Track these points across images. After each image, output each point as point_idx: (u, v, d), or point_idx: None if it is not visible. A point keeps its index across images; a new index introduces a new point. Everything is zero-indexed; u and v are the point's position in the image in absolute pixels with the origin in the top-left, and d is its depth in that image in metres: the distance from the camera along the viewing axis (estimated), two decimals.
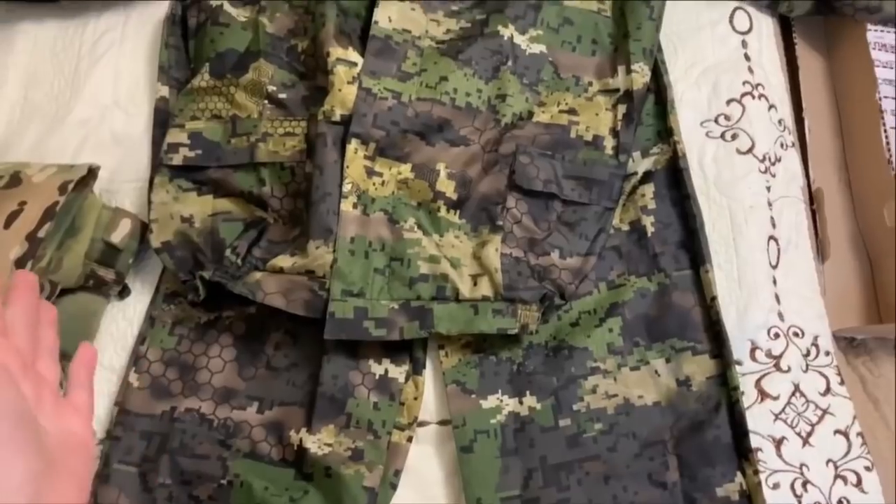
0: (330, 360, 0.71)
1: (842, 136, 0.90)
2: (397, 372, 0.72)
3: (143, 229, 0.77)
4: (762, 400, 0.72)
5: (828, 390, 0.75)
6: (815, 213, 0.84)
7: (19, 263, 0.68)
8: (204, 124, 0.78)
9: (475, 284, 0.72)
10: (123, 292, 0.77)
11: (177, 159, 0.77)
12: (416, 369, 0.73)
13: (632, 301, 0.75)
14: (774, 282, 0.78)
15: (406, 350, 0.73)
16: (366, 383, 0.71)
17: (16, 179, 0.74)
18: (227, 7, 0.83)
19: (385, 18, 0.79)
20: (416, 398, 0.72)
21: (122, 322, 0.77)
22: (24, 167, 0.75)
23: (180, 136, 0.77)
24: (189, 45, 0.85)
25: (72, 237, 0.73)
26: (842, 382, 0.76)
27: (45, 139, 0.83)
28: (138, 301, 0.77)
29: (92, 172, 0.77)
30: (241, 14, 0.83)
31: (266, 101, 0.78)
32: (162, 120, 0.82)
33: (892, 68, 0.86)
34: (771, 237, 0.79)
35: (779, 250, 0.79)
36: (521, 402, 0.71)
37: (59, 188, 0.73)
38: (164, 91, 0.83)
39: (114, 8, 0.90)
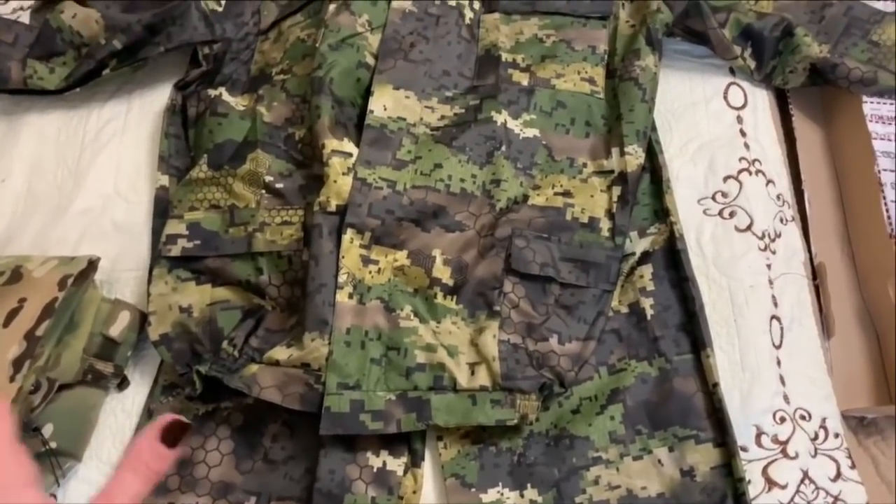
0: (327, 453, 0.70)
1: (843, 208, 0.89)
2: (395, 464, 0.71)
3: (143, 320, 0.77)
4: (770, 489, 0.71)
5: (838, 475, 0.73)
6: (819, 288, 0.83)
7: (17, 363, 0.68)
8: (202, 214, 0.79)
9: (473, 373, 0.71)
10: (122, 384, 0.77)
11: (175, 250, 0.77)
12: (415, 461, 0.72)
13: (633, 387, 0.74)
14: (778, 363, 0.76)
15: (404, 441, 0.72)
16: (363, 477, 0.70)
17: (16, 275, 0.74)
18: (226, 97, 0.85)
19: (380, 107, 0.80)
20: (414, 492, 0.71)
21: (120, 415, 0.76)
22: (25, 261, 0.76)
23: (179, 227, 0.78)
24: (189, 134, 0.87)
25: (70, 333, 0.74)
26: (853, 466, 0.74)
27: (47, 230, 0.84)
28: (137, 393, 0.77)
29: (92, 265, 0.77)
30: (239, 103, 0.85)
31: (263, 191, 0.79)
32: (162, 209, 0.83)
33: (890, 140, 0.85)
34: (773, 317, 0.78)
35: (782, 330, 0.78)
36: (522, 496, 0.70)
37: (59, 283, 0.74)
38: (164, 180, 0.84)
39: (117, 97, 0.92)
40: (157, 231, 0.82)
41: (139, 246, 0.83)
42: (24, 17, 0.93)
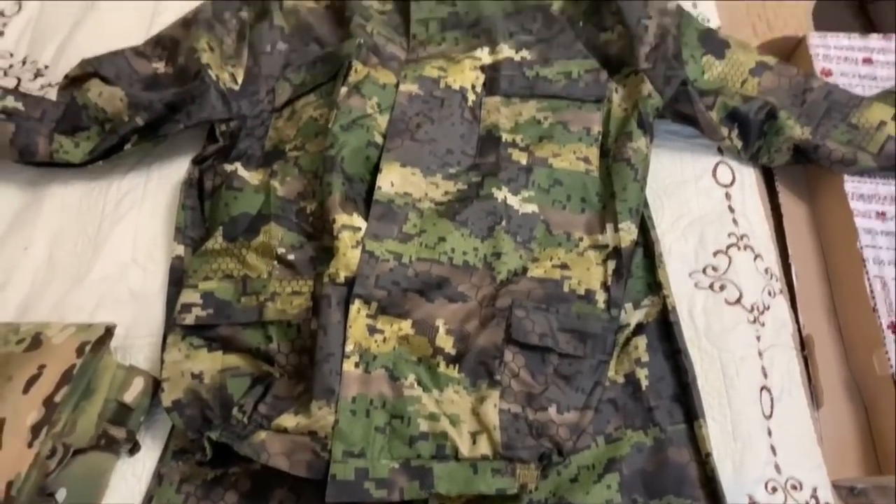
0: None
1: (829, 281, 0.93)
2: None
3: (155, 386, 0.80)
4: None
5: None
6: (807, 359, 0.86)
7: (35, 429, 0.71)
8: (216, 284, 0.83)
9: (474, 442, 0.73)
10: (133, 449, 0.80)
11: (189, 319, 0.81)
12: None
13: (629, 456, 0.76)
14: (769, 433, 0.79)
15: None
16: None
17: (36, 342, 0.78)
18: (241, 171, 0.89)
19: (388, 183, 0.84)
20: None
21: (130, 479, 0.78)
22: (45, 328, 0.79)
23: (193, 297, 0.82)
24: (205, 206, 0.91)
25: (86, 399, 0.76)
26: None
27: (66, 297, 0.88)
28: (147, 457, 0.80)
29: (109, 332, 0.81)
30: (254, 177, 0.89)
31: (275, 262, 0.82)
32: (176, 278, 0.86)
33: (871, 217, 0.90)
34: (763, 387, 0.81)
35: (772, 400, 0.80)
36: None
37: (77, 350, 0.77)
38: (180, 250, 0.88)
39: (137, 169, 0.97)
40: (171, 299, 0.86)
41: (153, 313, 0.87)
42: (52, 94, 0.99)
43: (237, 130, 0.95)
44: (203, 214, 0.91)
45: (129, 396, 0.78)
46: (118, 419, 0.78)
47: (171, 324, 0.81)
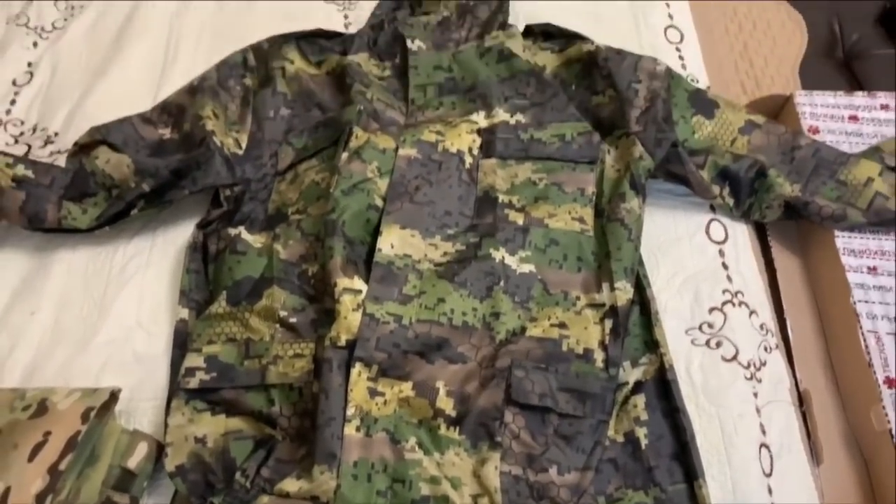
0: None
1: (824, 334, 0.94)
2: None
3: (159, 450, 0.81)
4: None
5: None
6: (806, 415, 0.86)
7: (40, 498, 0.71)
8: (219, 347, 0.84)
9: None
10: None
11: (193, 383, 0.82)
12: None
13: None
14: (770, 491, 0.79)
15: None
16: None
17: (42, 408, 0.79)
18: (245, 235, 0.92)
19: (388, 245, 0.86)
20: None
21: None
22: (51, 394, 0.80)
23: (197, 361, 0.83)
24: (209, 269, 0.93)
25: (91, 465, 0.77)
26: None
27: (72, 361, 0.89)
28: None
29: (114, 396, 0.82)
30: (257, 240, 0.91)
31: (278, 325, 0.84)
32: (181, 340, 0.88)
33: (862, 272, 0.91)
34: (762, 444, 0.81)
35: (771, 457, 0.81)
36: None
37: (82, 416, 0.78)
38: (184, 313, 0.89)
39: (142, 234, 0.99)
40: (175, 362, 0.87)
41: (157, 376, 0.88)
42: (61, 160, 1.01)
43: (241, 194, 0.97)
44: (207, 278, 0.93)
45: (133, 462, 0.79)
46: (122, 485, 0.78)
47: (174, 388, 0.82)
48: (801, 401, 0.87)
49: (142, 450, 0.80)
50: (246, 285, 0.87)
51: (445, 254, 0.88)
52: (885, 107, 1.05)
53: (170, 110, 1.03)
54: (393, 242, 0.87)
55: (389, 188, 0.91)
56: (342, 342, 0.79)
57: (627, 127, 0.94)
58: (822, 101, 1.06)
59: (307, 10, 1.22)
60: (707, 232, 0.96)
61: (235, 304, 0.86)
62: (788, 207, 0.95)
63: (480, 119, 0.98)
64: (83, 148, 0.99)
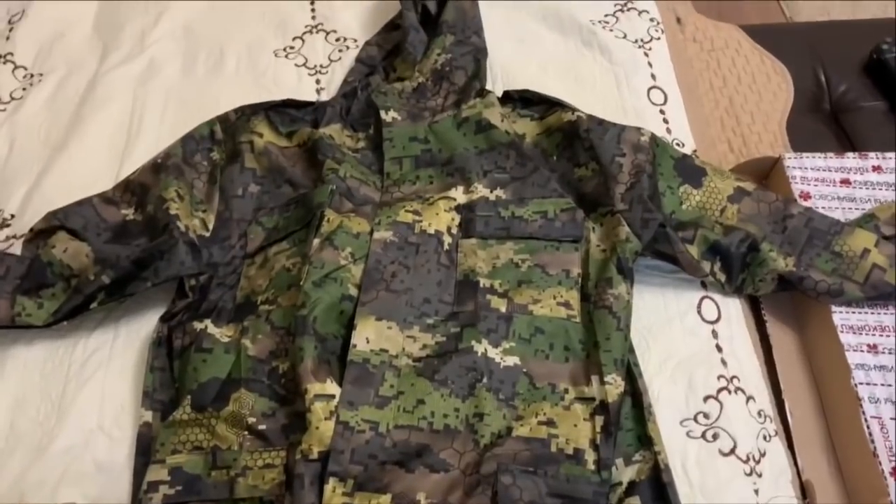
0: None
1: (824, 414, 0.90)
2: None
3: None
4: None
5: None
6: None
7: None
8: (185, 458, 0.78)
9: None
10: None
11: (156, 499, 0.76)
12: None
13: None
14: None
15: None
16: None
17: None
18: (211, 329, 0.86)
19: (363, 340, 0.81)
20: None
21: None
22: None
23: (161, 473, 0.77)
24: (174, 365, 0.87)
25: None
26: None
27: (27, 472, 0.82)
28: None
29: None
30: (224, 334, 0.86)
31: (246, 433, 0.79)
32: (144, 447, 0.82)
33: (862, 351, 0.87)
34: None
35: None
36: None
37: None
38: (148, 416, 0.84)
39: (104, 325, 0.93)
40: (138, 471, 0.81)
41: (120, 486, 0.81)
42: (17, 246, 0.96)
43: (208, 282, 0.92)
44: (173, 374, 0.87)
45: None
46: None
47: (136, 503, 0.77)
48: (804, 492, 0.83)
49: None
50: (212, 388, 0.82)
51: (425, 346, 0.83)
52: (876, 168, 1.02)
53: (133, 189, 0.98)
54: (368, 336, 0.82)
55: (364, 276, 0.86)
56: (314, 455, 0.74)
57: (612, 205, 0.90)
58: (812, 164, 1.02)
59: (278, 74, 1.18)
60: (699, 311, 0.92)
61: (201, 409, 0.81)
62: (782, 280, 0.91)
63: (459, 195, 0.94)
64: (40, 234, 0.94)
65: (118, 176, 1.04)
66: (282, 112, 1.04)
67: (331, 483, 0.73)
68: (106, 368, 0.90)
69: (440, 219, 0.91)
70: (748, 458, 0.81)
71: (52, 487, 0.82)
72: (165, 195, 0.94)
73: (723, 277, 0.92)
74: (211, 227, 0.96)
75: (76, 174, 1.05)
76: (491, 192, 0.94)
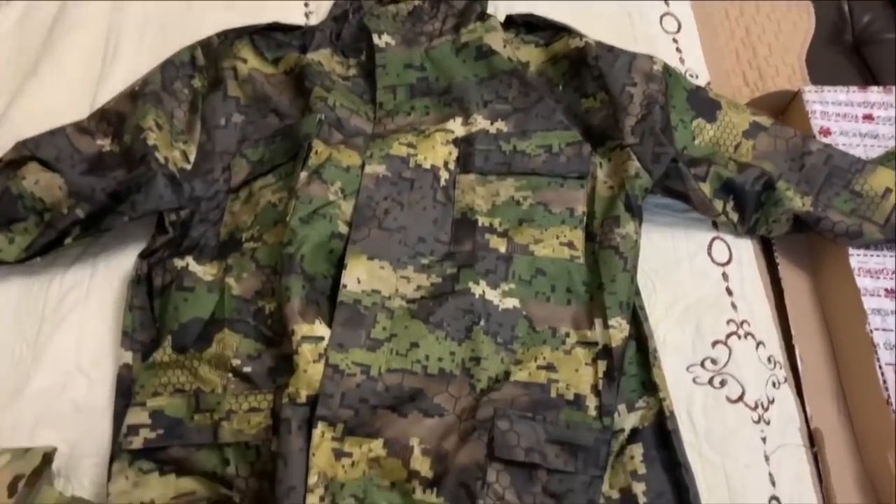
0: None
1: (835, 361, 0.86)
2: None
3: None
4: None
5: None
6: (817, 457, 0.79)
7: None
8: (166, 401, 0.75)
9: None
10: None
11: (137, 443, 0.73)
12: None
13: None
14: None
15: None
16: None
17: None
18: (193, 266, 0.82)
19: (354, 280, 0.77)
20: None
21: None
22: None
23: (141, 416, 0.74)
24: (154, 304, 0.83)
25: None
26: None
27: (2, 414, 0.79)
28: None
29: (47, 459, 0.73)
30: (206, 272, 0.81)
31: (230, 375, 0.75)
32: (124, 389, 0.78)
33: (879, 296, 0.83)
34: (772, 497, 0.74)
35: None
36: None
37: (9, 487, 0.69)
38: (128, 357, 0.80)
39: (81, 261, 0.89)
40: (118, 415, 0.77)
41: (100, 428, 0.78)
42: None
43: (189, 217, 0.87)
44: (153, 314, 0.83)
45: None
46: None
47: (117, 449, 0.73)
48: (812, 441, 0.80)
49: None
50: (193, 329, 0.77)
51: (419, 287, 0.78)
52: None
53: (109, 118, 0.92)
54: (359, 276, 0.77)
55: (355, 212, 0.81)
56: (302, 399, 0.70)
57: (621, 138, 0.84)
58: (833, 99, 0.96)
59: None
60: (709, 252, 0.87)
61: (182, 350, 0.77)
62: (798, 221, 0.86)
63: (457, 127, 0.88)
64: (10, 165, 0.88)
65: (93, 105, 0.97)
66: (268, 36, 0.97)
67: (319, 428, 0.69)
68: (83, 307, 0.85)
69: (436, 152, 0.85)
70: (756, 406, 0.78)
71: (29, 430, 0.79)
72: (143, 124, 0.87)
73: (735, 217, 0.87)
74: (192, 159, 0.90)
75: (48, 103, 0.98)
76: (491, 124, 0.88)
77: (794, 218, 0.86)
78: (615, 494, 0.73)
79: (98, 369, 0.82)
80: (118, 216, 0.84)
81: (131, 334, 0.81)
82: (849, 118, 0.95)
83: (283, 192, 0.84)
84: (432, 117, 0.90)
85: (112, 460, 0.73)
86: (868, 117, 0.95)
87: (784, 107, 1.00)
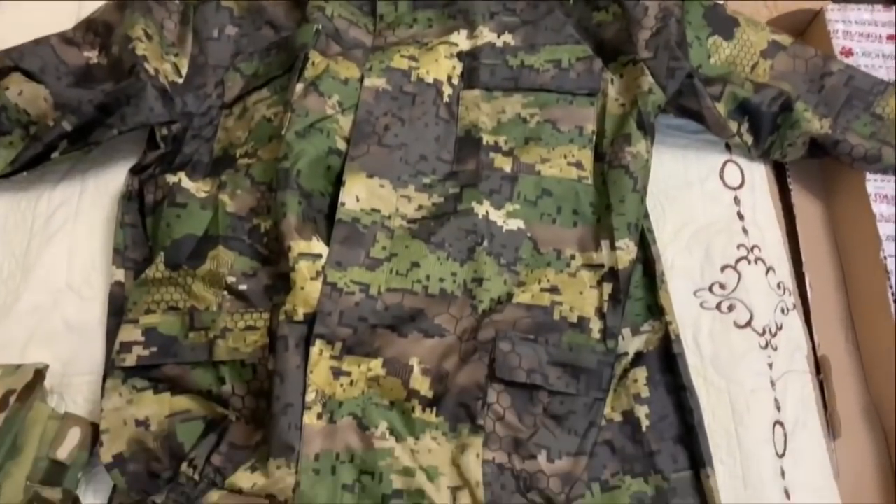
0: None
1: (845, 289, 0.84)
2: None
3: (95, 435, 0.71)
4: None
5: None
6: (823, 384, 0.78)
7: None
8: (159, 318, 0.73)
9: (455, 500, 0.65)
10: None
11: (130, 360, 0.71)
12: None
13: None
14: (782, 474, 0.71)
15: None
16: None
17: None
18: (186, 183, 0.79)
19: (352, 198, 0.74)
20: None
21: None
22: None
23: (134, 334, 0.72)
24: (147, 221, 0.80)
25: (12, 459, 0.67)
26: None
27: None
28: None
29: (39, 375, 0.71)
30: (200, 189, 0.79)
31: (225, 293, 0.73)
32: (117, 307, 0.77)
33: (895, 222, 0.80)
34: (776, 422, 0.73)
35: (785, 436, 0.73)
36: None
37: (1, 400, 0.67)
38: (120, 275, 0.78)
39: (70, 177, 0.86)
40: (111, 333, 0.76)
41: (93, 347, 0.77)
42: None
43: (181, 132, 0.83)
44: (145, 232, 0.80)
45: (64, 452, 0.69)
46: (51, 479, 0.69)
47: (110, 366, 0.72)
48: (819, 368, 0.78)
49: (73, 437, 0.70)
50: (186, 245, 0.75)
51: (420, 207, 0.75)
52: None
53: (96, 29, 0.88)
54: (358, 194, 0.74)
55: (354, 127, 0.77)
56: (299, 316, 0.68)
57: (635, 52, 0.79)
58: (856, 18, 0.91)
59: None
60: (721, 175, 0.84)
61: (175, 267, 0.74)
62: (814, 145, 0.83)
63: (461, 40, 0.83)
64: None
65: (79, 16, 0.92)
66: None
67: (317, 346, 0.67)
68: (73, 224, 0.83)
69: (440, 66, 0.81)
70: (764, 331, 0.76)
71: (20, 348, 0.77)
72: (132, 34, 0.83)
73: (749, 140, 0.84)
74: (184, 73, 0.86)
75: (31, 12, 0.94)
76: (498, 37, 0.83)
77: (810, 141, 0.83)
78: (617, 417, 0.72)
79: (89, 287, 0.80)
80: (107, 129, 0.80)
81: (123, 252, 0.79)
82: (872, 38, 0.90)
83: (279, 106, 0.80)
84: (435, 30, 0.85)
85: (105, 378, 0.72)
86: (893, 37, 0.90)
87: (805, 26, 0.95)
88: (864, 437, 0.78)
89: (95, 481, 0.72)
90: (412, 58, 0.81)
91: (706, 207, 0.82)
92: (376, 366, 0.69)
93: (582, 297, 0.73)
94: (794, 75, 0.85)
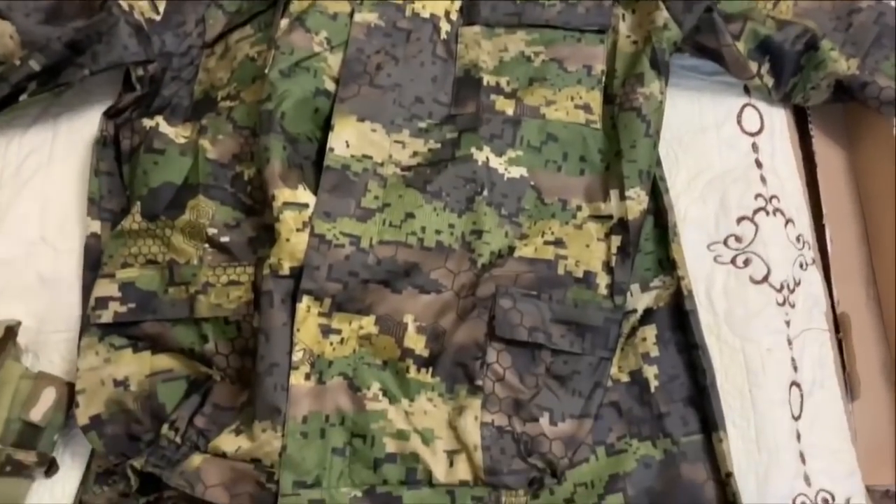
0: None
1: (868, 243, 0.80)
2: None
3: (71, 394, 0.67)
4: None
5: None
6: (842, 343, 0.73)
7: None
8: (137, 272, 0.68)
9: (451, 464, 0.62)
10: (50, 470, 0.68)
11: (106, 316, 0.67)
12: None
13: (634, 472, 0.65)
14: (798, 437, 0.68)
15: None
16: None
17: None
18: (164, 127, 0.73)
19: (342, 144, 0.68)
20: None
21: None
22: None
23: (110, 289, 0.68)
24: (123, 169, 0.75)
25: None
26: None
27: None
28: (68, 477, 0.69)
29: (10, 332, 0.67)
30: (179, 134, 0.73)
31: (206, 245, 0.68)
32: (93, 260, 0.72)
33: None
34: (793, 382, 0.69)
35: (801, 397, 0.69)
36: None
37: None
38: (95, 226, 0.73)
39: (41, 122, 0.80)
40: (87, 286, 0.71)
41: (69, 302, 0.73)
42: None
43: (160, 73, 0.78)
44: (122, 180, 0.75)
45: (38, 414, 0.65)
46: (25, 442, 0.65)
47: (85, 322, 0.68)
48: (838, 327, 0.74)
49: (48, 397, 0.66)
50: (165, 194, 0.70)
51: (415, 154, 0.70)
52: None
53: None
54: (348, 139, 0.69)
55: (343, 66, 0.71)
56: (285, 270, 0.63)
57: None
58: None
59: None
60: (739, 120, 0.78)
61: (152, 218, 0.70)
62: (839, 88, 0.77)
63: None
64: None
65: None
66: None
67: (304, 301, 0.63)
68: (46, 172, 0.78)
69: (436, 0, 0.75)
70: (782, 287, 0.71)
71: None
72: None
73: (770, 81, 0.78)
74: (162, 9, 0.81)
75: None
76: None
77: (835, 83, 0.77)
78: (624, 378, 0.68)
79: (64, 239, 0.75)
80: (78, 69, 0.75)
81: (98, 202, 0.74)
82: None
83: (263, 44, 0.75)
84: None
85: (81, 335, 0.68)
86: None
87: None
88: (883, 398, 0.74)
89: (73, 444, 0.69)
90: None
91: (722, 154, 0.77)
92: (368, 323, 0.64)
93: (588, 251, 0.68)
94: (819, 12, 0.79)
